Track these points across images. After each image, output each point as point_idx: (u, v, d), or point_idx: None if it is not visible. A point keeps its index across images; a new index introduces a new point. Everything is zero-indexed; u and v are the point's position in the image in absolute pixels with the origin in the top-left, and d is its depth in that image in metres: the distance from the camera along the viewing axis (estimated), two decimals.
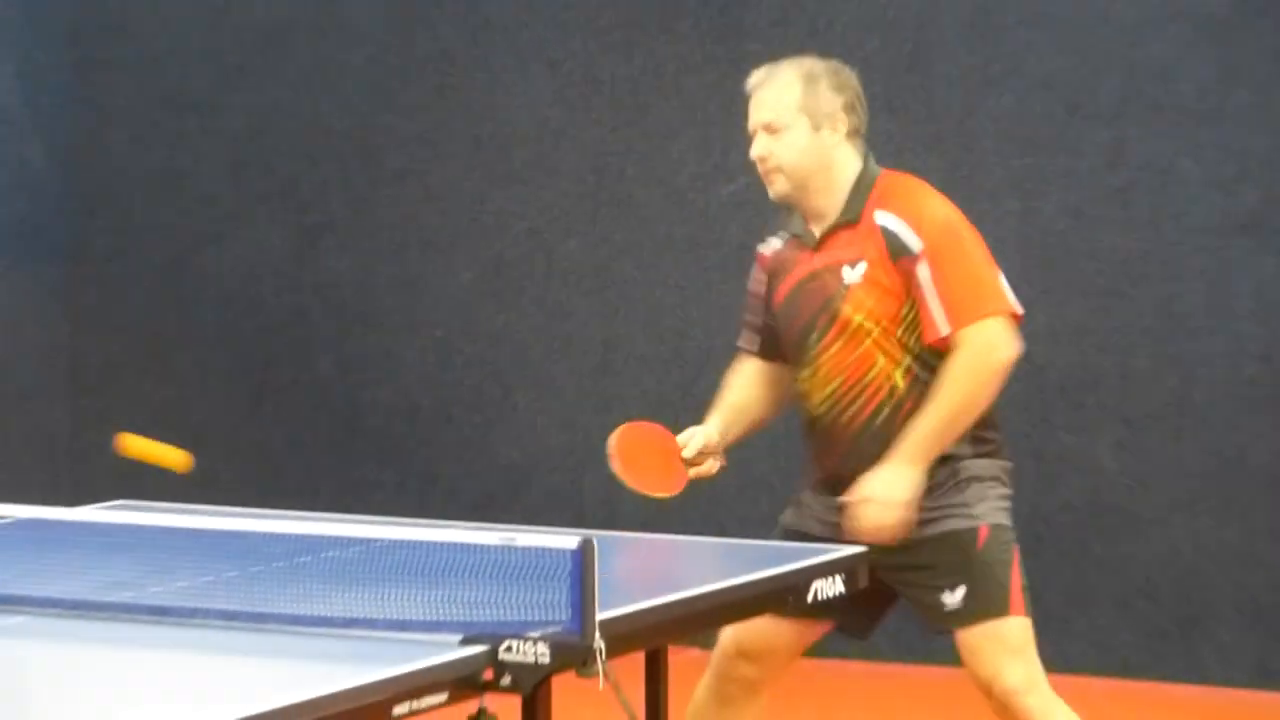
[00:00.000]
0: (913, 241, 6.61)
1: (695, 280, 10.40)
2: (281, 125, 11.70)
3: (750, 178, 10.19)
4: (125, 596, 5.81)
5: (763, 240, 7.15)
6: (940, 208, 6.77)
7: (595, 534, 5.56)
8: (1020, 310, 6.72)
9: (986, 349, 6.60)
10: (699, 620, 6.18)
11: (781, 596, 6.29)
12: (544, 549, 5.46)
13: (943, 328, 6.58)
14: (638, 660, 6.19)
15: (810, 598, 6.25)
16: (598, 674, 5.19)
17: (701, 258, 10.75)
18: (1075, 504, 10.07)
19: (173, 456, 6.96)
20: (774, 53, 10.38)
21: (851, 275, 6.66)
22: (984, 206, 10.16)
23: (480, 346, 11.44)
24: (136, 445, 7.01)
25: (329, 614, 5.55)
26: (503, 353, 11.38)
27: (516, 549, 5.58)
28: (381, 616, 5.51)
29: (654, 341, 10.97)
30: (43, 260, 11.30)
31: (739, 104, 10.58)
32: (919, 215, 6.68)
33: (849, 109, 6.79)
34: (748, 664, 6.99)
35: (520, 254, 11.34)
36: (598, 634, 5.18)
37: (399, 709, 4.90)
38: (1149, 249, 10.10)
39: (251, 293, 11.53)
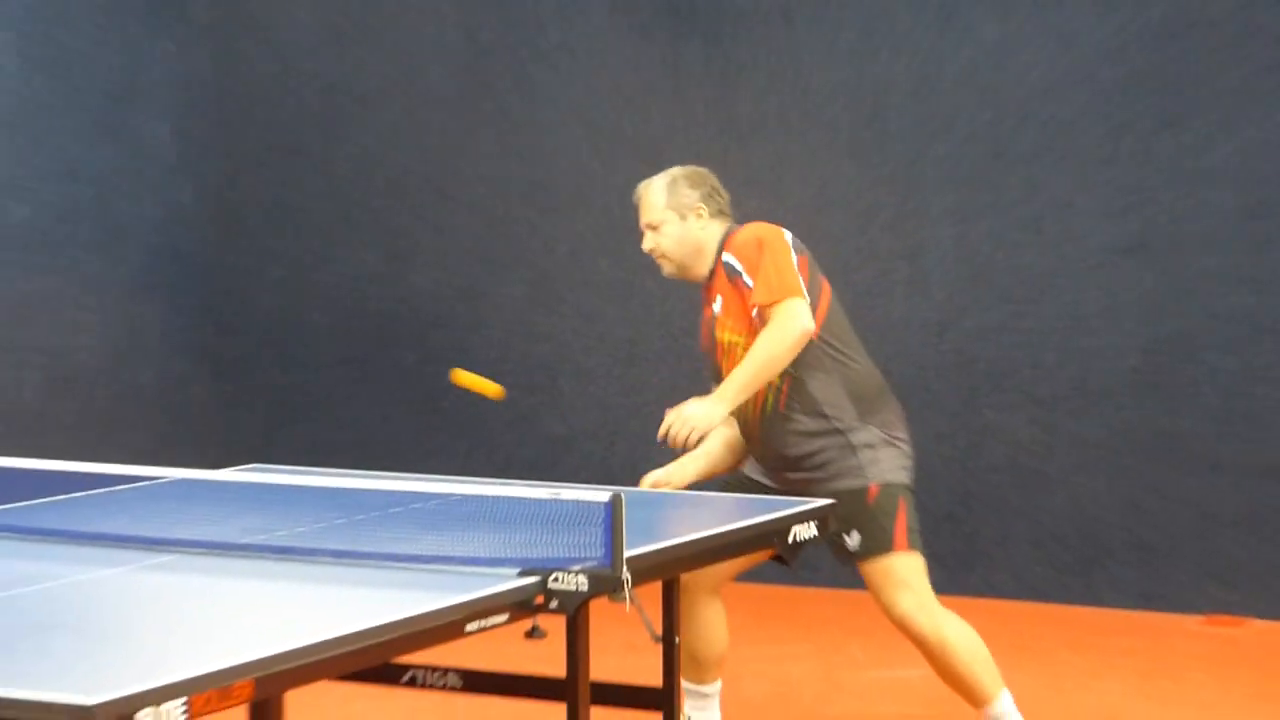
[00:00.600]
0: (735, 261, 6.78)
1: (698, 293, 10.52)
2: (376, 171, 11.72)
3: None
4: (257, 539, 5.89)
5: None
6: (750, 231, 6.88)
7: (623, 490, 5.66)
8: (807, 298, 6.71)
9: (782, 322, 6.68)
10: (705, 557, 6.19)
11: (768, 538, 6.34)
12: (582, 501, 5.50)
13: (752, 301, 6.72)
14: (656, 588, 6.16)
15: (790, 539, 6.30)
16: (625, 599, 5.25)
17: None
18: (999, 466, 10.15)
19: (491, 388, 7.26)
20: (763, 112, 10.61)
21: (716, 309, 6.89)
22: (927, 233, 10.33)
23: (530, 343, 11.48)
24: (464, 377, 7.27)
25: (415, 553, 5.59)
26: (548, 349, 11.44)
27: (561, 501, 5.62)
28: (455, 554, 5.54)
29: (667, 340, 11.05)
30: (193, 278, 11.36)
31: (733, 156, 10.72)
32: (736, 243, 6.84)
33: (707, 198, 6.91)
34: (707, 578, 7.05)
35: (562, 270, 11.41)
36: (625, 567, 5.25)
37: (470, 626, 4.97)
38: (1056, 266, 10.24)
39: (353, 301, 11.66)
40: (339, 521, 6.06)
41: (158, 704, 3.96)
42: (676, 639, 6.38)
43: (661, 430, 6.66)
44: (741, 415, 6.88)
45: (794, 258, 6.76)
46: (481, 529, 5.74)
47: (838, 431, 6.77)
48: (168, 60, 11.25)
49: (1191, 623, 9.62)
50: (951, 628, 6.72)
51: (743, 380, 6.58)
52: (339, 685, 5.87)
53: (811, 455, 6.80)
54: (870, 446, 6.78)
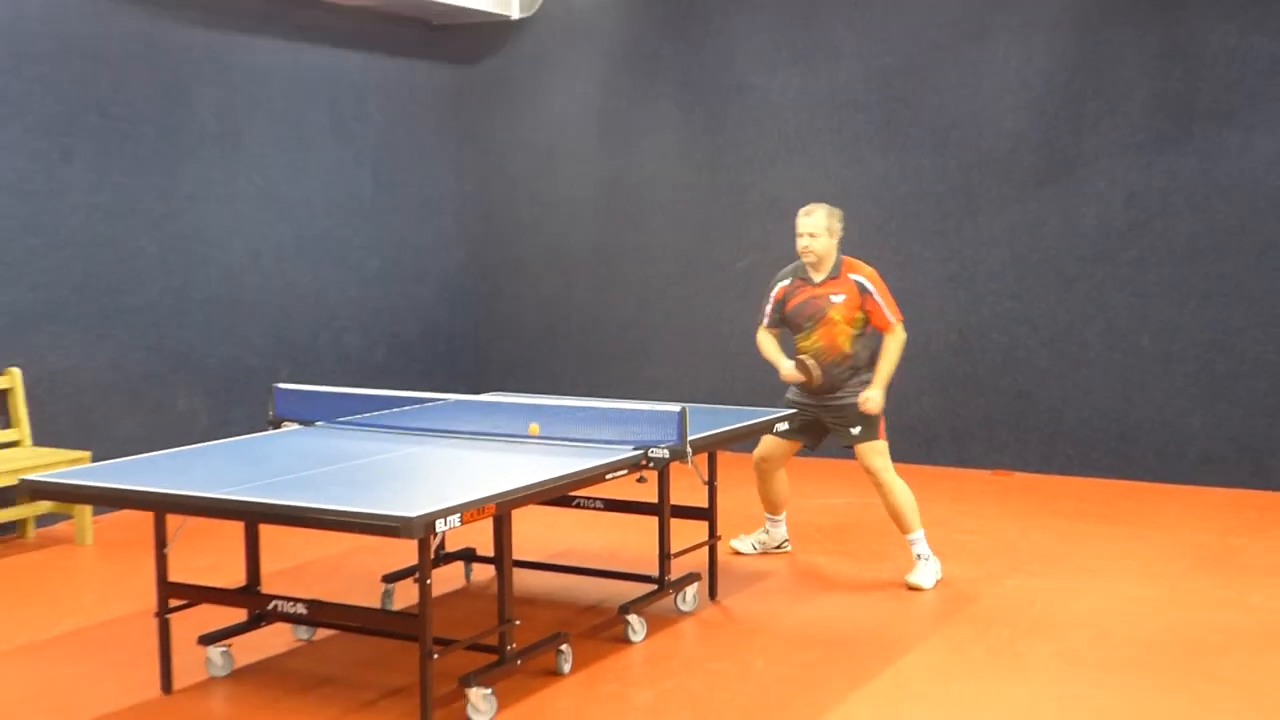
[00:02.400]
0: (869, 285, 6.71)
1: (729, 294, 9.76)
2: (574, 220, 10.90)
3: (754, 257, 9.93)
4: (497, 429, 6.09)
5: (774, 281, 6.98)
6: (871, 268, 6.81)
7: (687, 405, 5.84)
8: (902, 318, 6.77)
9: (900, 336, 6.72)
10: (728, 440, 6.31)
11: (767, 428, 6.56)
12: (665, 410, 5.70)
13: (884, 324, 6.71)
14: (704, 457, 6.39)
15: (774, 430, 6.58)
16: (688, 461, 5.60)
17: (730, 285, 10.05)
18: (951, 392, 9.79)
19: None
20: (761, 151, 10.12)
21: (835, 299, 6.69)
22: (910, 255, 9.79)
23: (631, 326, 10.67)
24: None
25: (581, 437, 5.81)
26: (642, 330, 10.62)
27: (654, 410, 5.81)
28: (602, 438, 5.75)
29: (713, 320, 10.23)
30: (467, 297, 11.22)
31: (750, 210, 10.19)
32: (867, 273, 6.75)
33: (839, 229, 6.77)
34: (766, 462, 7.10)
35: (653, 279, 10.55)
36: (689, 445, 5.56)
37: (609, 475, 5.38)
38: (919, 290, 9.62)
39: (570, 297, 10.99)
40: (539, 420, 6.10)
41: (444, 517, 4.49)
42: (714, 483, 6.57)
43: (869, 405, 6.66)
44: (815, 349, 6.76)
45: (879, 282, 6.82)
46: (611, 425, 5.87)
47: (857, 372, 6.77)
48: (451, 181, 10.91)
49: (984, 474, 9.41)
50: (898, 482, 6.73)
51: (888, 372, 6.67)
52: (539, 508, 6.17)
53: (848, 386, 6.76)
54: (869, 384, 6.76)
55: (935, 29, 9.58)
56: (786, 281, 6.92)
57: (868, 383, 6.75)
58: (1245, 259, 8.79)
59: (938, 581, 6.70)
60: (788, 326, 6.95)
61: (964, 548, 7.40)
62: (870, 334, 6.84)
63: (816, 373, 6.76)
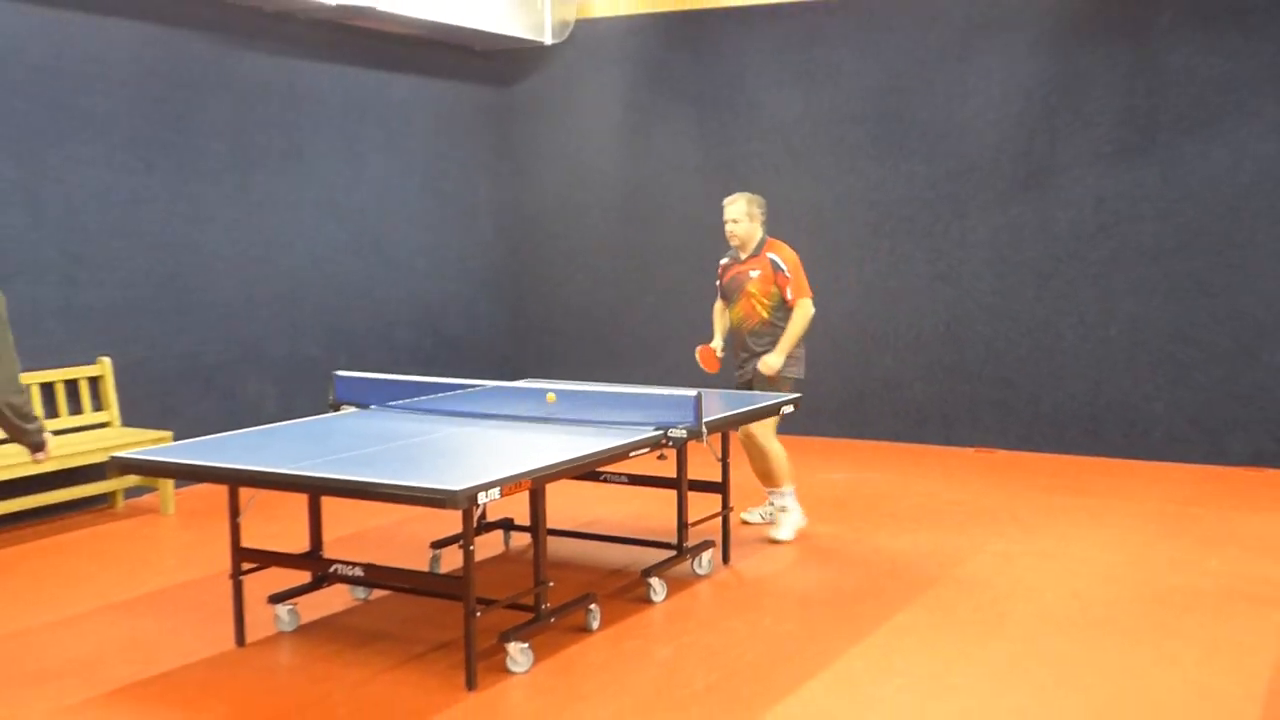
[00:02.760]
0: (781, 263, 6.81)
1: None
2: (600, 224, 10.92)
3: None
4: (531, 413, 6.11)
5: (721, 259, 7.14)
6: (789, 249, 6.91)
7: (701, 390, 5.86)
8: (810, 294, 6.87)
9: (805, 311, 6.82)
10: (740, 421, 6.35)
11: (774, 411, 6.50)
12: (683, 395, 5.71)
13: (790, 297, 6.79)
14: (717, 436, 6.39)
15: (781, 412, 6.55)
16: (703, 439, 5.63)
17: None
18: (885, 371, 9.75)
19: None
20: (768, 161, 10.13)
21: (754, 274, 6.84)
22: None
23: (652, 319, 10.60)
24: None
25: (606, 419, 5.82)
26: (662, 323, 10.45)
27: (673, 394, 5.82)
28: (625, 420, 5.76)
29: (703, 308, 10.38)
30: (504, 289, 11.26)
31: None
32: (782, 252, 6.84)
33: (761, 213, 6.95)
34: (747, 438, 6.93)
35: (671, 276, 10.36)
36: (704, 425, 5.59)
37: (634, 453, 5.37)
38: (902, 287, 9.60)
39: (597, 293, 10.96)
40: (568, 403, 6.18)
41: (485, 490, 4.51)
42: (727, 460, 6.58)
43: (762, 367, 6.80)
44: (738, 329, 6.98)
45: (804, 274, 6.90)
46: (632, 408, 5.92)
47: (771, 339, 6.85)
48: (490, 189, 10.87)
49: (969, 452, 9.36)
50: (775, 445, 6.88)
51: (789, 341, 6.78)
52: (570, 482, 6.17)
53: (760, 348, 6.86)
54: (794, 356, 6.90)
55: (925, 51, 9.59)
56: (725, 260, 7.13)
57: (793, 357, 6.90)
58: (1204, 258, 8.80)
59: (799, 532, 6.93)
60: (723, 298, 7.13)
61: (950, 518, 7.40)
62: (787, 308, 6.90)
63: (713, 366, 7.13)
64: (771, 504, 7.18)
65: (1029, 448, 9.42)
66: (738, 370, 7.11)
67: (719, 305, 7.21)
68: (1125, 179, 8.99)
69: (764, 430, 6.86)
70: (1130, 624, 5.45)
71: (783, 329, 6.88)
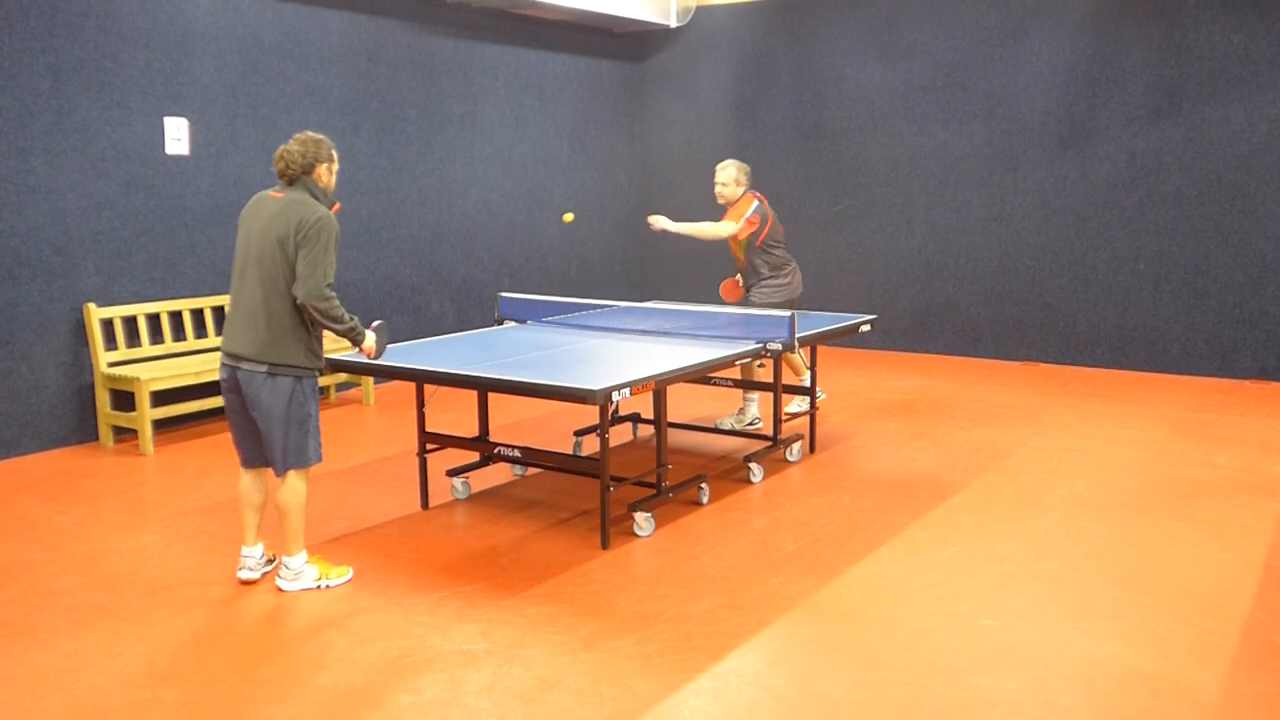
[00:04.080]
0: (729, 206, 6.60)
1: (828, 229, 9.67)
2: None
3: (846, 203, 9.89)
4: (662, 326, 6.05)
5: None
6: (749, 203, 6.56)
7: (796, 311, 5.77)
8: (740, 227, 6.51)
9: (721, 226, 6.53)
10: (826, 337, 6.14)
11: (853, 330, 6.36)
12: (779, 315, 5.61)
13: (728, 225, 6.52)
14: (808, 349, 6.33)
15: (858, 330, 6.41)
16: (795, 351, 5.56)
17: (828, 223, 9.90)
18: (956, 297, 9.65)
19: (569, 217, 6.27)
20: (853, 124, 9.99)
21: (740, 223, 6.51)
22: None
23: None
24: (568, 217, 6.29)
25: (716, 334, 5.77)
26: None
27: (770, 314, 5.71)
28: (730, 334, 5.70)
29: (817, 248, 9.96)
30: (636, 222, 10.98)
31: (844, 168, 9.99)
32: (743, 200, 6.59)
33: (746, 179, 6.64)
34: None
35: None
36: (796, 340, 5.52)
37: (739, 361, 5.29)
38: (968, 223, 9.33)
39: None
40: (687, 319, 6.14)
41: (619, 390, 4.49)
42: (814, 369, 6.53)
43: (653, 223, 6.58)
44: (738, 259, 6.70)
45: (750, 211, 6.53)
46: (743, 325, 5.83)
47: (765, 283, 6.64)
48: (625, 147, 10.72)
49: (1015, 364, 8.97)
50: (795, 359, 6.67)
51: (686, 228, 6.52)
52: (687, 385, 6.20)
53: (756, 290, 6.65)
54: (773, 281, 6.64)
55: (986, 31, 9.28)
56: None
57: (772, 288, 6.63)
58: (1220, 204, 8.48)
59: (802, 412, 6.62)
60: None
61: (1000, 418, 7.25)
62: (764, 248, 6.60)
63: (735, 295, 6.79)
64: (742, 412, 6.95)
65: (1066, 361, 9.18)
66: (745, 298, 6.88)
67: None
68: (1154, 138, 8.66)
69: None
70: (1148, 507, 5.32)
71: (759, 267, 6.64)
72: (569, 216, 6.25)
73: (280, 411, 4.08)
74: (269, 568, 4.47)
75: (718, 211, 10.33)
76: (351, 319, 4.17)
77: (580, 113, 10.49)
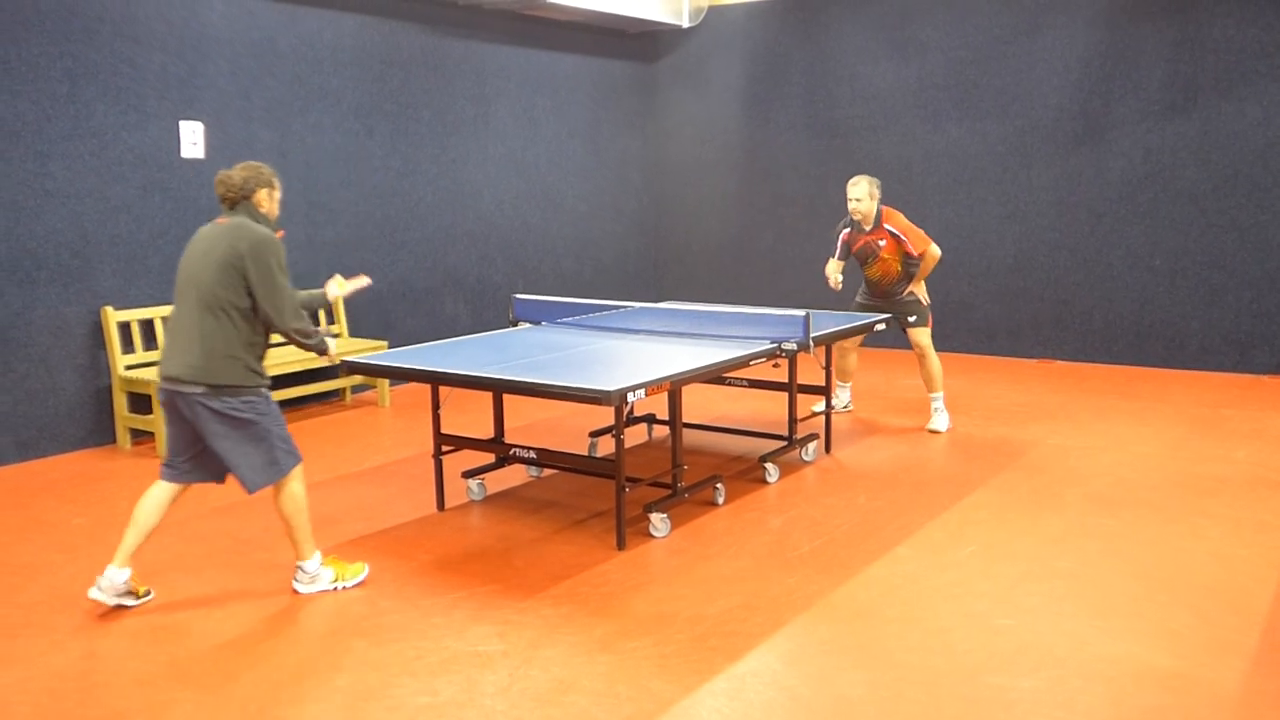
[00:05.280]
0: (898, 232, 6.65)
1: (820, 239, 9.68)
2: (727, 175, 10.77)
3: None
4: (673, 328, 6.06)
5: (838, 229, 6.90)
6: (901, 217, 6.76)
7: (810, 310, 5.76)
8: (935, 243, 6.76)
9: (932, 254, 6.67)
10: (840, 336, 6.19)
11: (868, 329, 6.41)
12: (794, 315, 5.60)
13: (914, 251, 6.65)
14: (823, 349, 6.29)
15: (876, 328, 6.46)
16: (810, 351, 5.53)
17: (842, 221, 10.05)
18: (981, 293, 9.59)
19: None
20: (866, 122, 9.95)
21: (881, 244, 6.69)
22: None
23: (769, 252, 10.36)
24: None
25: (729, 334, 5.76)
26: (777, 255, 10.31)
27: (786, 314, 5.70)
28: (744, 334, 5.71)
29: (829, 247, 10.27)
30: (644, 225, 11.02)
31: (857, 166, 9.89)
32: (898, 223, 6.68)
33: (878, 191, 6.72)
34: (843, 344, 7.03)
35: (784, 217, 10.31)
36: (811, 339, 5.50)
37: (753, 362, 5.27)
38: (979, 223, 9.28)
39: (723, 231, 10.77)
40: (701, 320, 6.14)
41: (633, 390, 4.48)
42: (831, 368, 6.50)
43: (905, 294, 6.80)
44: (878, 282, 6.85)
45: (918, 229, 6.78)
46: (757, 325, 5.82)
47: (911, 283, 6.77)
48: (638, 147, 10.66)
49: (1031, 362, 8.97)
50: (934, 355, 6.77)
51: (922, 275, 6.74)
52: (701, 385, 6.15)
53: (900, 291, 6.77)
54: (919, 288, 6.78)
55: (1000, 28, 9.24)
56: (847, 230, 6.89)
57: (922, 288, 6.89)
58: (1236, 199, 8.43)
59: (949, 429, 6.83)
60: (855, 259, 6.95)
61: (1015, 416, 7.21)
62: (915, 259, 6.80)
63: (836, 286, 6.88)
64: (837, 396, 7.30)
65: (1082, 359, 9.15)
66: (870, 304, 6.99)
67: (833, 262, 6.92)
68: (1170, 133, 8.61)
69: (926, 340, 6.83)
70: (1166, 504, 5.29)
71: (911, 271, 6.84)
72: None
73: (228, 431, 4.00)
74: (127, 600, 4.16)
75: (742, 208, 10.70)
76: (316, 332, 4.20)
77: (593, 113, 10.48)
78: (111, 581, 4.12)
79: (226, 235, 4.03)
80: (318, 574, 4.29)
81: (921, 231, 6.79)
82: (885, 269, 6.82)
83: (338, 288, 4.55)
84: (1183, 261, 8.68)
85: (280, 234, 4.18)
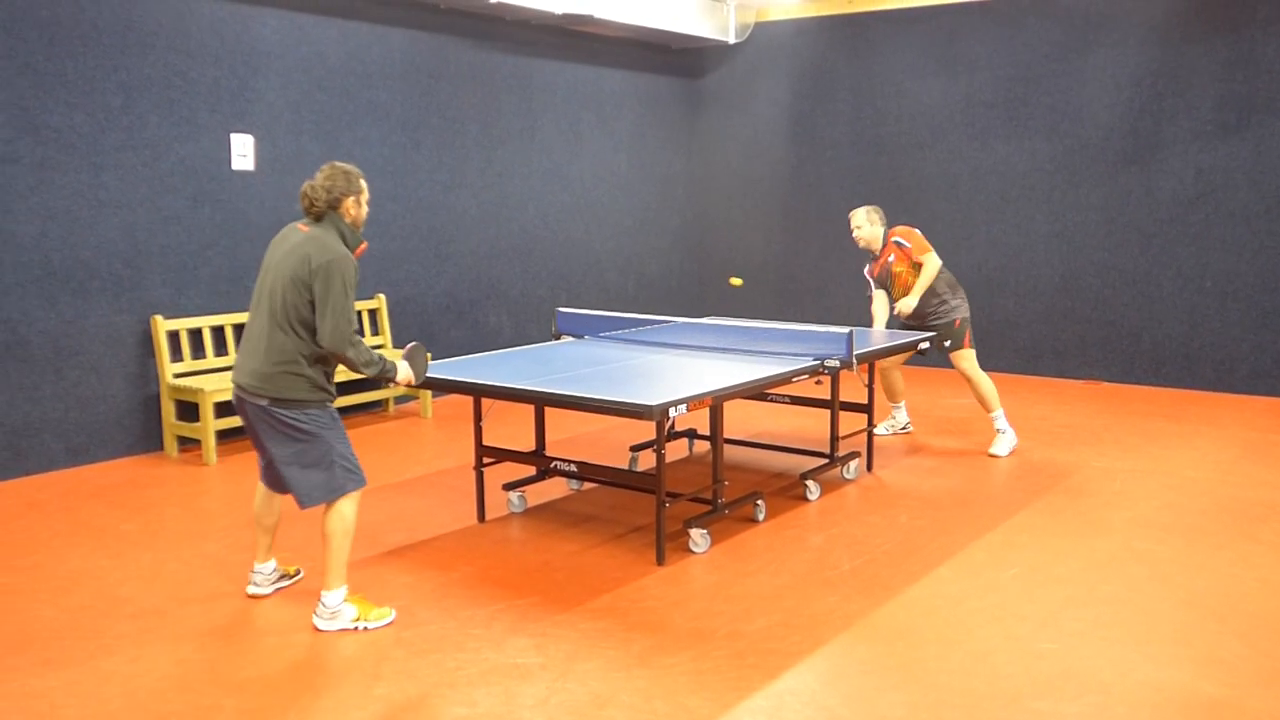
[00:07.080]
0: (905, 242, 6.64)
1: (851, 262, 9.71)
2: (771, 191, 10.76)
3: (907, 219, 9.59)
4: (716, 344, 6.04)
5: (865, 266, 7.00)
6: (906, 229, 6.76)
7: (854, 328, 5.73)
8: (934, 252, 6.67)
9: (931, 263, 6.59)
10: (884, 354, 6.17)
11: (911, 347, 6.38)
12: (837, 332, 5.61)
13: (916, 258, 6.60)
14: (865, 366, 6.26)
15: (918, 348, 6.42)
16: (853, 368, 5.51)
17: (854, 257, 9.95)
18: (1015, 312, 9.59)
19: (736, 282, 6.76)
20: (913, 140, 9.96)
21: (891, 259, 6.68)
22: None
23: (813, 269, 10.37)
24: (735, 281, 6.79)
25: (769, 350, 5.74)
26: (821, 272, 10.25)
27: (829, 331, 5.72)
28: (788, 351, 5.68)
29: (854, 260, 10.28)
30: (690, 238, 10.98)
31: (904, 184, 9.85)
32: (904, 232, 6.67)
33: (880, 219, 6.74)
34: (891, 364, 7.07)
35: (828, 234, 10.14)
36: (854, 357, 5.47)
37: (795, 378, 5.25)
38: (1026, 243, 9.22)
39: (767, 247, 10.76)
40: (744, 335, 6.14)
41: (675, 406, 4.48)
42: (873, 386, 6.44)
43: (896, 310, 6.68)
44: (899, 294, 6.73)
45: (923, 238, 6.72)
46: (800, 341, 5.83)
47: (942, 300, 6.65)
48: (682, 162, 10.70)
49: (1077, 383, 8.89)
50: (981, 375, 6.65)
51: (919, 288, 6.56)
52: (743, 401, 6.14)
53: (938, 312, 6.66)
54: (954, 305, 6.65)
55: (1049, 46, 9.19)
56: (868, 265, 6.95)
57: (951, 307, 6.69)
58: None
59: (1013, 450, 6.71)
60: (883, 288, 6.93)
61: (1061, 438, 7.15)
62: (942, 270, 6.72)
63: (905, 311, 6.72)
64: (894, 418, 7.28)
65: (1130, 380, 9.08)
66: (909, 326, 6.92)
67: (876, 301, 6.95)
68: (1222, 153, 8.52)
69: (968, 364, 6.70)
70: (1214, 530, 5.23)
71: (940, 290, 6.73)
72: (737, 281, 6.61)
73: (286, 446, 3.98)
74: (283, 583, 4.47)
75: (786, 224, 10.71)
76: (379, 360, 4.04)
77: (638, 128, 10.52)
78: (262, 573, 4.43)
79: (302, 248, 3.93)
80: (339, 610, 4.10)
81: (924, 240, 6.73)
82: (903, 284, 6.76)
83: (407, 371, 4.32)
84: (1234, 283, 8.57)
85: (363, 246, 4.09)
